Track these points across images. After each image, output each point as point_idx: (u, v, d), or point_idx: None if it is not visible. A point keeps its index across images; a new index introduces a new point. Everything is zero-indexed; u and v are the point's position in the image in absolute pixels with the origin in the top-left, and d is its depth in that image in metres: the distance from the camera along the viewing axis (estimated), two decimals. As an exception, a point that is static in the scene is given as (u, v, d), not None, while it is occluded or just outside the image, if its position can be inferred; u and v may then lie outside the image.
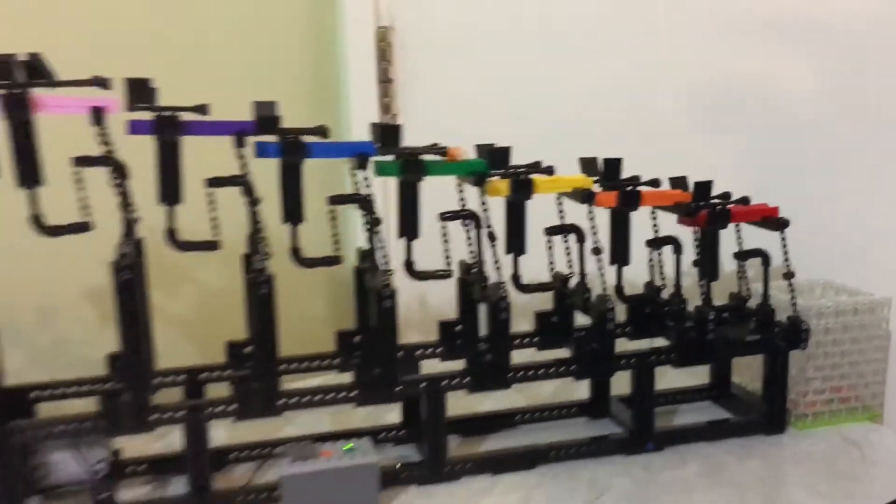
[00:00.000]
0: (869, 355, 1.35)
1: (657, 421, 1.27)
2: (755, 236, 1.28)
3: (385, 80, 1.55)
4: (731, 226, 1.26)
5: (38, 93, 0.97)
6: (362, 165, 1.08)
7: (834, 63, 1.74)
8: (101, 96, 0.99)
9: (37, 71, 0.97)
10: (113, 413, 1.03)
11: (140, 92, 1.00)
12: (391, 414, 1.33)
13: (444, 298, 1.30)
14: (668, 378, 1.45)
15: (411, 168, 1.10)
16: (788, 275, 1.27)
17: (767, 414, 1.30)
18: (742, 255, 1.29)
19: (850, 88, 1.76)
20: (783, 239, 1.25)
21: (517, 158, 1.16)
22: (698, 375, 1.44)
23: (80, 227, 1.02)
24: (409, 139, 1.14)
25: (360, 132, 1.44)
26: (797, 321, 1.27)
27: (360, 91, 1.54)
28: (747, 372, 1.40)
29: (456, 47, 1.57)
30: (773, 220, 1.26)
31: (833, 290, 1.42)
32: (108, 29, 1.38)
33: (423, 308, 1.36)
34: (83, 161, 0.99)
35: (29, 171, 0.98)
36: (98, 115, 0.98)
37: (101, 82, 0.98)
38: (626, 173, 1.22)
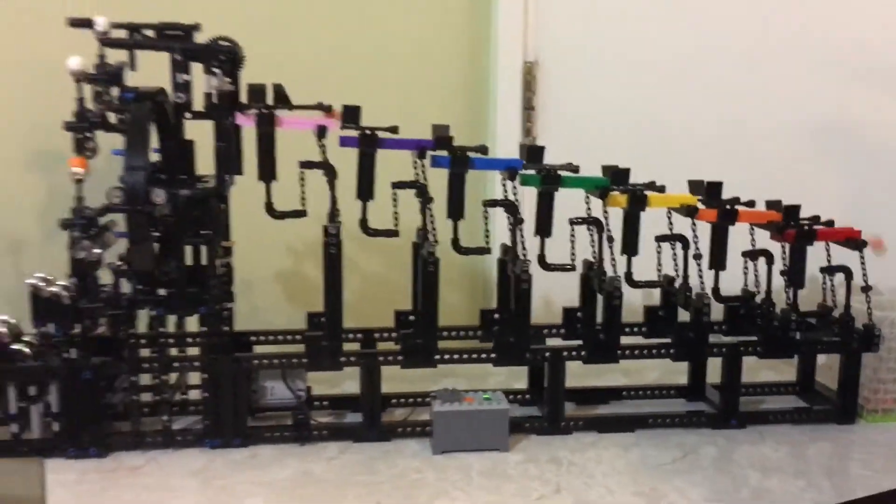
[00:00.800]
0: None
1: (745, 405, 1.50)
2: (849, 256, 1.49)
3: (528, 108, 1.84)
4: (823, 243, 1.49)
5: (280, 113, 1.33)
6: (511, 177, 1.38)
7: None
8: (321, 118, 1.34)
9: (279, 96, 1.33)
10: (314, 354, 1.37)
11: (350, 115, 1.33)
12: (518, 383, 1.63)
13: (567, 291, 1.58)
14: (762, 375, 1.68)
15: (550, 181, 1.39)
16: (866, 288, 1.48)
17: (841, 406, 1.51)
18: (828, 270, 1.51)
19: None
20: (862, 257, 1.47)
21: (636, 177, 1.44)
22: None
23: (299, 214, 1.37)
24: (546, 158, 1.42)
25: (504, 152, 1.74)
26: (871, 328, 1.48)
27: (506, 116, 1.82)
28: (830, 374, 1.61)
29: (589, 80, 1.83)
30: (853, 241, 1.48)
31: (911, 306, 1.62)
32: (314, 68, 1.73)
33: (550, 298, 1.65)
34: (306, 164, 1.34)
35: (268, 170, 1.34)
36: (322, 131, 1.32)
37: (325, 108, 1.32)
38: (745, 196, 1.47)
